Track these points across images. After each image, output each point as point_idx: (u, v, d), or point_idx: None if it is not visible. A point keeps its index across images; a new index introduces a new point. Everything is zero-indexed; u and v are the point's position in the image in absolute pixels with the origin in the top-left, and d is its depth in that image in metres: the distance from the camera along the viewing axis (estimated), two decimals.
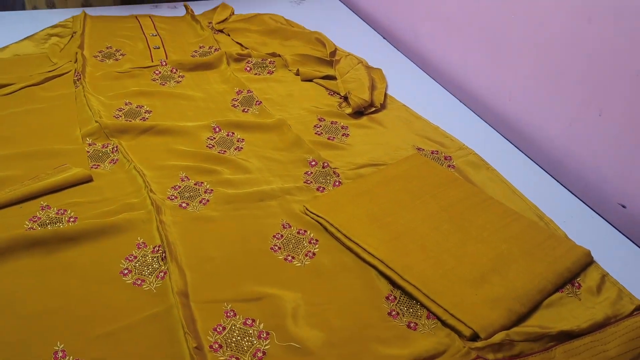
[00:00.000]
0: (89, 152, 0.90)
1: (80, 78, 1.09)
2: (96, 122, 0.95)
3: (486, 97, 1.12)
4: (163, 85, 1.11)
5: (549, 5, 0.95)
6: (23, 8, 1.49)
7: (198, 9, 1.46)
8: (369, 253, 0.71)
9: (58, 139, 0.92)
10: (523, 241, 0.76)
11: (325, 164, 0.89)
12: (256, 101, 1.06)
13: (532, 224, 0.79)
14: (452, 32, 1.19)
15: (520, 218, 0.80)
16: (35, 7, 1.49)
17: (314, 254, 0.73)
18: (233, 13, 1.44)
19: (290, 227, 0.77)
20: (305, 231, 0.76)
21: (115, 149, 0.90)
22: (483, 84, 1.13)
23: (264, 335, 0.61)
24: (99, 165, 0.87)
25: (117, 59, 1.19)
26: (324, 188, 0.85)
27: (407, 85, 1.18)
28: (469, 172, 0.92)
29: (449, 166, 0.92)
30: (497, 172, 0.91)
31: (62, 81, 1.10)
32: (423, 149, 0.96)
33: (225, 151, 0.92)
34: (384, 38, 1.39)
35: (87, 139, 0.93)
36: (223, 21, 1.40)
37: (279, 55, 1.22)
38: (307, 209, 0.80)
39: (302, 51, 1.26)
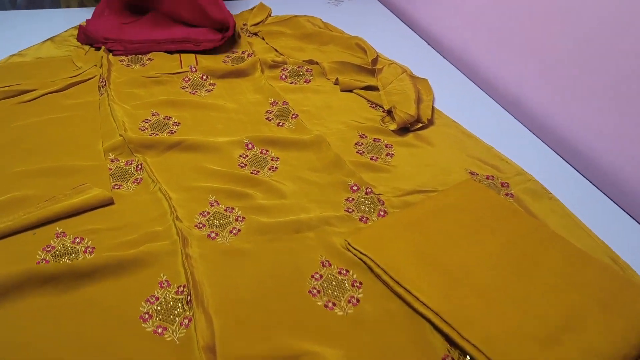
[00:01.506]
0: (111, 169, 0.83)
1: (105, 85, 1.02)
2: (120, 135, 0.88)
3: (544, 116, 1.01)
4: (193, 94, 1.03)
5: (613, 20, 0.84)
6: (57, 6, 1.43)
7: (235, 9, 1.38)
8: (421, 302, 0.62)
9: (79, 154, 0.85)
10: (597, 290, 0.66)
11: (369, 190, 0.80)
12: (292, 114, 0.98)
13: (606, 268, 0.69)
14: (504, 43, 1.08)
15: (591, 261, 0.70)
16: (68, 6, 1.43)
17: (357, 300, 0.64)
18: (270, 14, 1.36)
19: (330, 265, 0.68)
20: (347, 271, 0.68)
21: (140, 166, 0.83)
22: (541, 102, 1.02)
23: None
24: (121, 185, 0.80)
25: (143, 64, 1.12)
26: (367, 218, 0.76)
27: (455, 98, 1.08)
28: (528, 201, 0.82)
29: (506, 194, 0.82)
30: (560, 202, 0.81)
31: (86, 87, 1.03)
32: (477, 174, 0.86)
33: (258, 171, 0.84)
34: (428, 44, 1.29)
35: (110, 154, 0.86)
36: (259, 23, 1.32)
37: (317, 63, 1.14)
38: (349, 243, 0.71)
39: (340, 58, 1.18)
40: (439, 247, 0.70)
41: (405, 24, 1.39)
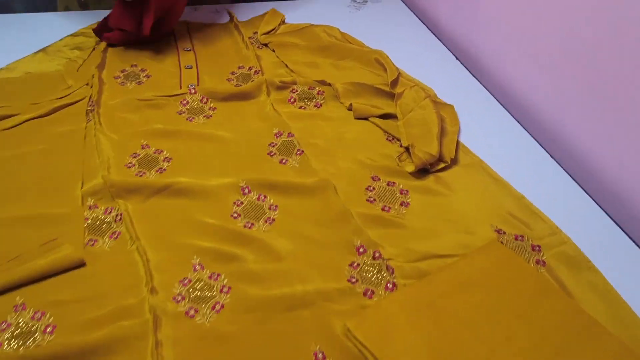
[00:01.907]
0: (87, 219, 0.74)
1: (94, 108, 0.92)
2: (102, 177, 0.78)
3: (590, 160, 0.88)
4: (190, 120, 0.93)
5: None
6: (53, 9, 1.34)
7: (244, 15, 1.26)
8: None
9: (55, 199, 0.76)
10: None
11: (377, 254, 0.70)
12: (297, 150, 0.87)
13: None
14: (544, 66, 0.95)
15: None
16: (67, 8, 1.33)
17: None
18: (283, 22, 1.24)
19: (324, 358, 0.58)
20: None
21: (120, 217, 0.74)
22: (585, 142, 0.88)
23: None
24: (96, 240, 0.71)
25: (140, 82, 1.02)
26: (373, 292, 0.66)
27: (482, 124, 0.96)
28: (562, 272, 0.70)
29: (537, 262, 0.71)
30: (601, 274, 0.69)
31: (74, 112, 0.94)
32: (504, 232, 0.75)
33: (252, 224, 0.74)
34: (456, 58, 1.16)
35: (89, 200, 0.76)
36: (270, 32, 1.20)
37: (329, 84, 1.02)
38: (349, 330, 0.60)
39: (358, 76, 1.06)
40: (456, 341, 0.59)
41: (434, 33, 1.25)
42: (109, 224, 0.73)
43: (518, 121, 0.97)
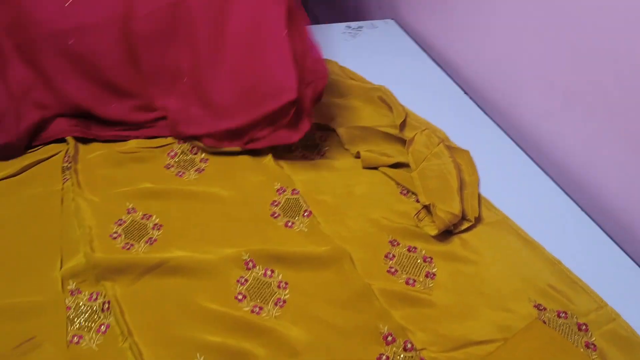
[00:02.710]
0: (69, 308, 0.63)
1: (71, 165, 0.81)
2: (84, 254, 0.68)
3: (626, 213, 0.81)
4: (180, 176, 0.83)
5: None
6: None
7: None
8: None
9: (30, 282, 0.66)
10: None
11: (409, 345, 0.61)
12: (304, 210, 0.77)
13: None
14: (571, 103, 0.87)
15: None
16: None
17: None
18: None
19: None
20: None
21: (107, 305, 0.63)
22: (621, 193, 0.81)
23: None
24: (82, 337, 0.61)
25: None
26: None
27: (500, 170, 0.88)
28: (616, 356, 0.62)
29: (587, 345, 0.63)
30: None
31: (48, 169, 0.83)
32: (544, 308, 0.67)
33: (261, 309, 0.65)
34: (464, 92, 1.08)
35: (70, 283, 0.66)
36: None
37: (333, 129, 0.93)
38: None
39: (361, 118, 0.97)
40: None
41: (435, 61, 1.17)
42: (95, 313, 0.63)
43: (540, 166, 0.89)
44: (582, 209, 0.81)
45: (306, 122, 0.83)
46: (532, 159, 0.91)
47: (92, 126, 0.88)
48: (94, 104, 0.86)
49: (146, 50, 0.85)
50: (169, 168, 0.84)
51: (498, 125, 0.98)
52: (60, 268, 0.67)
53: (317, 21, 1.99)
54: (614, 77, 0.77)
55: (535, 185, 0.86)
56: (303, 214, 0.77)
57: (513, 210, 0.80)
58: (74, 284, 0.66)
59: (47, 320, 0.62)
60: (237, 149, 0.87)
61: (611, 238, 0.77)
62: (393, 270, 0.71)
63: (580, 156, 0.86)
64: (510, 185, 0.86)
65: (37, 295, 0.64)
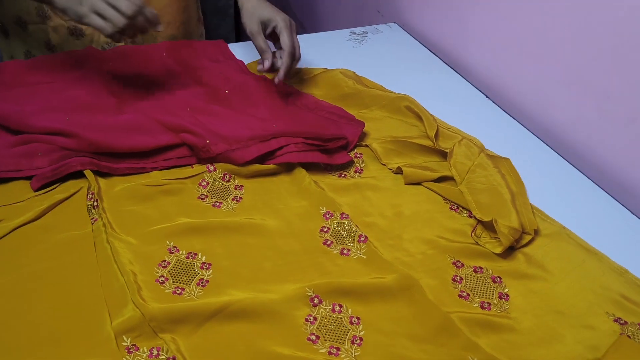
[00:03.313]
0: None
1: (97, 203, 0.74)
2: (134, 304, 0.62)
3: None
4: (217, 207, 0.77)
5: None
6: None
7: (247, 55, 1.09)
8: None
9: (79, 342, 0.59)
10: None
11: None
12: (359, 235, 0.73)
13: None
14: (607, 107, 0.85)
15: None
16: (12, 57, 1.12)
17: None
18: None
19: None
20: None
21: None
22: None
23: None
24: None
25: None
26: None
27: (542, 178, 0.86)
28: None
29: None
30: None
31: (72, 209, 0.75)
32: (624, 322, 0.65)
33: (338, 350, 0.60)
34: (486, 97, 1.05)
35: (125, 339, 0.60)
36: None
37: (366, 145, 0.88)
38: None
39: (389, 129, 0.94)
40: None
41: (447, 64, 1.14)
42: None
43: (579, 170, 0.87)
44: (633, 212, 0.80)
45: (345, 155, 0.85)
46: (569, 161, 0.89)
47: (102, 157, 0.81)
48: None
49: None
50: (203, 199, 0.78)
51: (528, 129, 0.96)
52: (111, 323, 0.61)
53: (303, 29, 1.95)
54: None
55: (577, 189, 0.85)
56: (358, 240, 0.73)
57: (563, 219, 0.78)
58: (129, 339, 0.60)
59: None
60: (271, 167, 0.82)
61: None
62: (465, 294, 0.67)
63: (622, 157, 0.85)
64: (553, 191, 0.84)
65: (91, 357, 0.58)
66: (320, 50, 1.14)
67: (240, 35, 2.05)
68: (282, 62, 0.89)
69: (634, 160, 0.84)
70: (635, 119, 0.81)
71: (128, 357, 0.58)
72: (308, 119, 0.90)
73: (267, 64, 0.89)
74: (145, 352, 0.59)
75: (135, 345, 0.59)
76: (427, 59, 1.17)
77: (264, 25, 0.91)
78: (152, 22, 0.82)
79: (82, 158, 0.78)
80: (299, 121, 0.87)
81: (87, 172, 0.78)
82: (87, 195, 0.76)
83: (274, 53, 0.92)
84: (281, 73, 0.89)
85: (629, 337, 0.63)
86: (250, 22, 0.91)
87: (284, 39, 0.89)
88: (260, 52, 0.91)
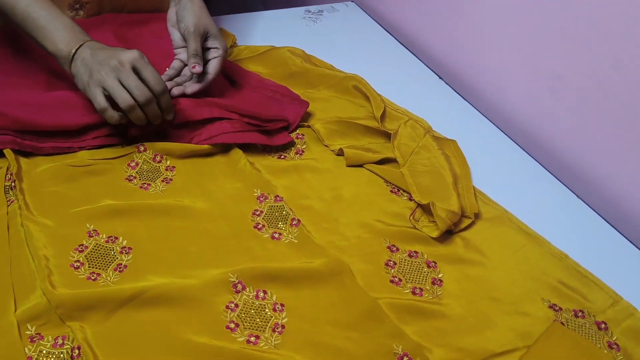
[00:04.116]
0: (30, 358, 0.53)
1: (14, 185, 0.70)
2: (42, 292, 0.58)
3: (624, 200, 0.77)
4: (145, 188, 0.73)
5: None
6: None
7: None
8: None
9: None
10: None
11: None
12: (292, 219, 0.70)
13: None
14: (560, 87, 0.83)
15: None
16: None
17: None
18: (235, 43, 1.05)
19: None
20: None
21: (78, 351, 0.54)
22: (617, 179, 0.78)
23: None
24: None
25: None
26: None
27: (489, 160, 0.83)
28: (637, 352, 0.58)
29: (609, 345, 0.59)
30: None
31: None
32: (560, 308, 0.63)
33: (257, 338, 0.57)
34: (439, 77, 1.02)
35: (29, 328, 0.56)
36: None
37: (308, 126, 0.85)
38: None
39: (335, 109, 0.90)
40: None
41: (404, 45, 1.11)
42: None
43: (528, 152, 0.85)
44: (579, 197, 0.78)
45: (285, 136, 0.81)
46: (519, 145, 0.86)
47: (26, 136, 0.76)
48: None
49: None
50: (131, 180, 0.74)
51: (478, 110, 0.94)
52: (15, 310, 0.57)
53: (266, 7, 1.90)
54: (609, 59, 0.73)
55: (525, 173, 0.82)
56: (291, 223, 0.69)
57: (507, 203, 0.76)
58: (34, 328, 0.56)
59: None
60: (206, 147, 0.78)
61: (611, 224, 0.74)
62: (397, 280, 0.65)
63: (572, 141, 0.83)
64: (500, 174, 0.82)
65: None
66: (272, 29, 1.10)
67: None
68: (204, 80, 0.82)
69: (583, 144, 0.81)
70: (584, 99, 0.79)
71: (30, 347, 0.54)
72: (249, 98, 0.86)
73: (198, 68, 0.80)
74: (49, 342, 0.55)
75: (40, 334, 0.56)
76: (382, 39, 1.13)
77: (205, 36, 0.84)
78: (166, 111, 0.73)
79: (3, 137, 0.74)
80: (238, 99, 0.83)
81: (7, 151, 0.73)
82: (5, 176, 0.72)
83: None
84: (195, 88, 0.81)
85: (563, 324, 0.61)
86: (197, 23, 0.83)
87: (215, 66, 0.82)
88: (195, 54, 0.81)
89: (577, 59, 0.79)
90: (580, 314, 0.62)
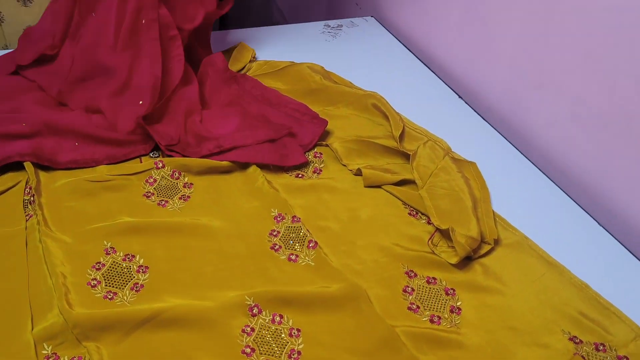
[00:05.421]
0: None
1: (34, 200, 0.70)
2: (59, 310, 0.58)
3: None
4: (162, 205, 0.73)
5: None
6: None
7: (214, 46, 1.05)
8: None
9: None
10: None
11: None
12: (309, 241, 0.69)
13: None
14: (581, 110, 0.82)
15: None
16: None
17: None
18: (255, 58, 1.05)
19: None
20: None
21: None
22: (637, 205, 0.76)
23: None
24: None
25: None
26: None
27: (508, 182, 0.82)
28: None
29: None
30: None
31: (6, 205, 0.71)
32: (580, 340, 0.61)
33: None
34: (458, 96, 1.01)
35: (45, 348, 0.56)
36: (240, 71, 1.01)
37: (326, 145, 0.85)
38: None
39: (354, 127, 0.90)
40: None
41: (423, 62, 1.10)
42: None
43: (550, 177, 0.84)
44: (600, 224, 0.76)
45: (300, 156, 0.81)
46: (539, 168, 0.85)
47: (45, 149, 0.76)
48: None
49: None
50: (149, 197, 0.74)
51: (498, 131, 0.93)
52: (32, 329, 0.57)
53: (286, 20, 1.90)
54: (633, 84, 0.72)
55: (545, 198, 0.81)
56: (308, 245, 0.69)
57: (527, 228, 0.75)
58: (50, 348, 0.56)
59: None
60: (224, 163, 0.78)
61: (633, 254, 0.73)
62: (414, 307, 0.64)
63: (593, 166, 0.81)
64: (520, 199, 0.80)
65: None
66: (291, 43, 1.10)
67: (227, 23, 1.99)
68: None
69: (605, 170, 0.80)
70: (607, 124, 0.78)
71: None
72: (268, 117, 0.86)
73: None
74: None
75: (56, 354, 0.56)
76: (401, 56, 1.12)
77: None
78: None
79: (22, 148, 0.74)
80: (256, 124, 0.84)
81: (27, 165, 0.74)
82: (24, 190, 0.72)
83: None
84: None
85: (583, 358, 0.59)
86: None
87: None
88: None
89: (600, 83, 0.77)
90: (601, 347, 0.61)
